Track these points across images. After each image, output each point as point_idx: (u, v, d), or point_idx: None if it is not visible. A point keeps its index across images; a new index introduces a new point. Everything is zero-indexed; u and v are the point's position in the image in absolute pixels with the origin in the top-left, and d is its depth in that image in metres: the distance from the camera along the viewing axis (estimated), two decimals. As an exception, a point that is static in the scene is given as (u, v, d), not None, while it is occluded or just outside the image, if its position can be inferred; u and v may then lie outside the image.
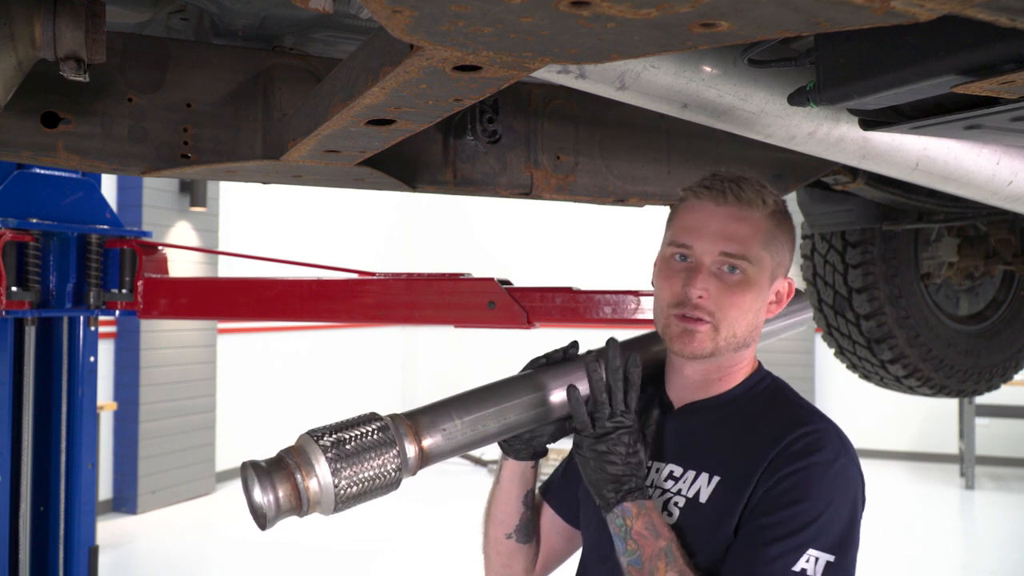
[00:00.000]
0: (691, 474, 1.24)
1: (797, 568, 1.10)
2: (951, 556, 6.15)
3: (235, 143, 1.68)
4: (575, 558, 1.45)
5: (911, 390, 3.38)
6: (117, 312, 2.84)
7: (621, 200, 2.11)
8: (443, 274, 2.19)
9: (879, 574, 5.54)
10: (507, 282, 2.12)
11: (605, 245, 9.83)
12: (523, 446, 1.35)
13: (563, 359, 1.37)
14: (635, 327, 1.95)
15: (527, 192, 2.00)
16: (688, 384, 1.31)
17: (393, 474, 1.17)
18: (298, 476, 1.11)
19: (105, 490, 6.72)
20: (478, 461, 8.70)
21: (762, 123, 1.58)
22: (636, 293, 2.16)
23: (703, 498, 1.21)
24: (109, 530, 6.19)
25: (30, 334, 3.10)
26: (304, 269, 2.63)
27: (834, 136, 1.69)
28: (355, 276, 2.32)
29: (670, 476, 1.27)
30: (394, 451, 1.17)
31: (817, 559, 1.11)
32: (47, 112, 1.56)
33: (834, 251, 3.18)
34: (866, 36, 1.15)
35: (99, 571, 3.57)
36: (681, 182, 2.00)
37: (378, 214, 10.27)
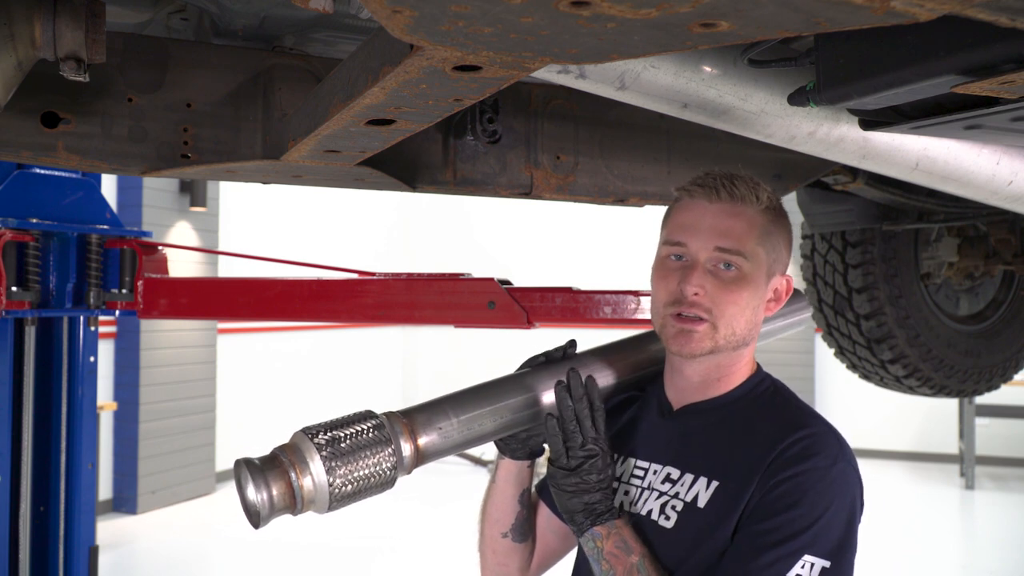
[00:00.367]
0: (689, 477, 1.24)
1: (792, 574, 1.10)
2: (951, 556, 6.15)
3: (235, 143, 1.68)
4: (570, 557, 1.45)
5: (911, 390, 3.38)
6: (117, 312, 2.84)
7: (621, 200, 2.11)
8: (443, 274, 2.19)
9: (879, 574, 5.54)
10: (507, 282, 2.12)
11: (605, 245, 9.83)
12: (519, 445, 1.35)
13: (562, 358, 1.36)
14: (635, 327, 1.95)
15: (527, 192, 2.00)
16: (687, 385, 1.30)
17: (388, 472, 1.16)
18: (292, 474, 1.10)
19: (105, 490, 6.72)
20: (478, 461, 8.70)
21: (762, 123, 1.58)
22: (636, 293, 2.16)
23: (701, 503, 1.20)
24: (109, 530, 6.19)
25: (30, 334, 3.10)
26: (304, 269, 2.63)
27: (834, 136, 1.69)
28: (355, 276, 2.32)
29: (667, 479, 1.26)
30: (389, 449, 1.16)
31: (813, 564, 1.10)
32: (47, 112, 1.56)
33: (834, 251, 3.18)
34: (866, 36, 1.15)
35: (99, 571, 3.57)
36: (681, 182, 2.00)
37: (378, 214, 10.27)
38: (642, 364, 1.41)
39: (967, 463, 7.94)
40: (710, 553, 1.17)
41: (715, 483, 1.20)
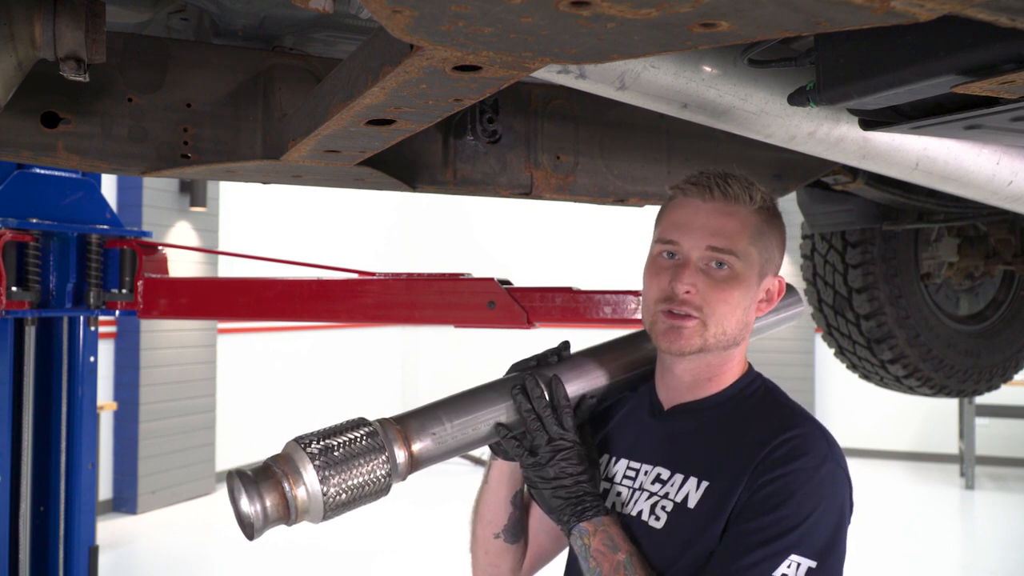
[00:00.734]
0: (679, 478, 1.23)
1: (777, 574, 1.09)
2: (951, 556, 6.15)
3: (235, 143, 1.68)
4: (562, 557, 1.45)
5: (911, 390, 3.38)
6: (117, 312, 2.84)
7: (621, 200, 2.11)
8: (443, 274, 2.19)
9: (879, 574, 5.54)
10: (507, 282, 2.12)
11: (605, 245, 9.83)
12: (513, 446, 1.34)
13: (557, 362, 1.36)
14: (635, 327, 1.95)
15: (527, 192, 2.00)
16: (678, 384, 1.30)
17: (383, 480, 1.15)
18: (286, 485, 1.09)
19: (105, 490, 6.72)
20: (478, 461, 8.70)
21: (762, 123, 1.58)
22: (636, 293, 2.15)
23: (691, 503, 1.20)
24: (109, 530, 6.19)
25: (30, 334, 3.10)
26: (304, 269, 2.62)
27: (834, 136, 1.69)
28: (355, 276, 2.32)
29: (657, 479, 1.26)
30: (383, 457, 1.15)
31: (799, 564, 1.10)
32: (47, 112, 1.56)
33: (834, 251, 3.18)
34: (866, 36, 1.15)
35: (99, 571, 3.57)
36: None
37: (378, 214, 10.27)
38: (635, 364, 1.40)
39: (967, 463, 7.94)
40: (700, 554, 1.16)
41: (705, 483, 1.20)
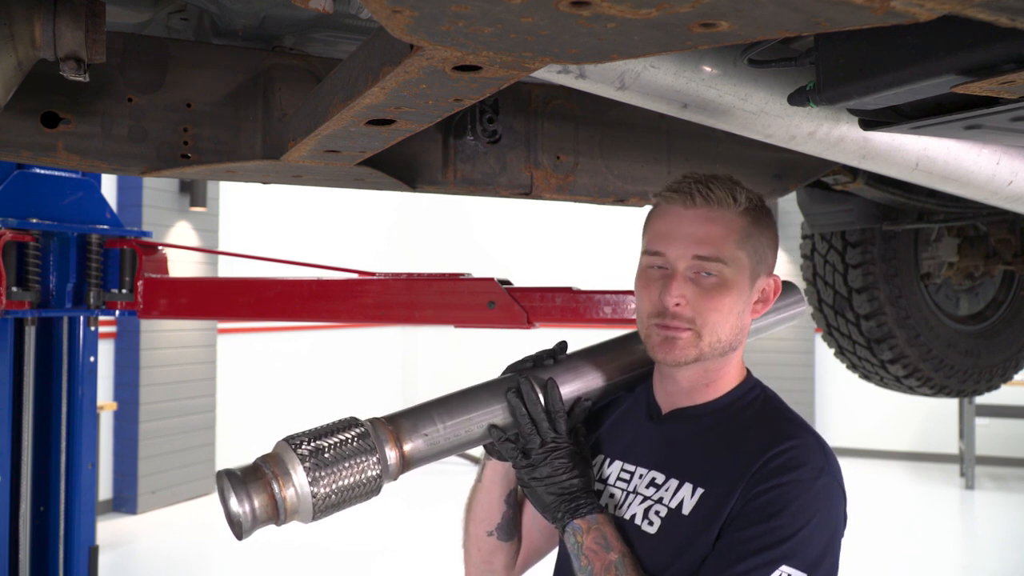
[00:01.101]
0: (674, 483, 1.22)
1: None
2: (951, 556, 6.15)
3: (235, 143, 1.68)
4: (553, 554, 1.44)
5: (911, 390, 3.38)
6: (117, 312, 2.84)
7: (621, 200, 2.11)
8: (443, 274, 2.19)
9: (879, 574, 5.54)
10: (507, 282, 2.12)
11: (605, 245, 9.83)
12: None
13: (553, 364, 1.36)
14: (635, 327, 1.95)
15: (527, 192, 2.00)
16: (676, 390, 1.29)
17: (373, 481, 1.15)
18: (275, 485, 1.09)
19: (105, 490, 6.72)
20: (477, 461, 8.69)
21: (762, 123, 1.58)
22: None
23: (686, 510, 1.19)
24: (109, 530, 6.19)
25: (30, 334, 3.10)
26: (304, 269, 2.62)
27: (834, 136, 1.69)
28: (355, 276, 2.32)
29: (652, 483, 1.25)
30: (374, 458, 1.15)
31: (790, 575, 1.10)
32: (47, 112, 1.56)
33: (834, 251, 3.18)
34: (866, 36, 1.15)
35: (99, 571, 3.57)
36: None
37: (378, 214, 10.27)
38: (632, 365, 1.39)
39: (967, 463, 7.94)
40: (693, 560, 1.16)
41: (700, 490, 1.19)
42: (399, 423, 1.21)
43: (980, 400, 7.82)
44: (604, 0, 0.64)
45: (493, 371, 1.42)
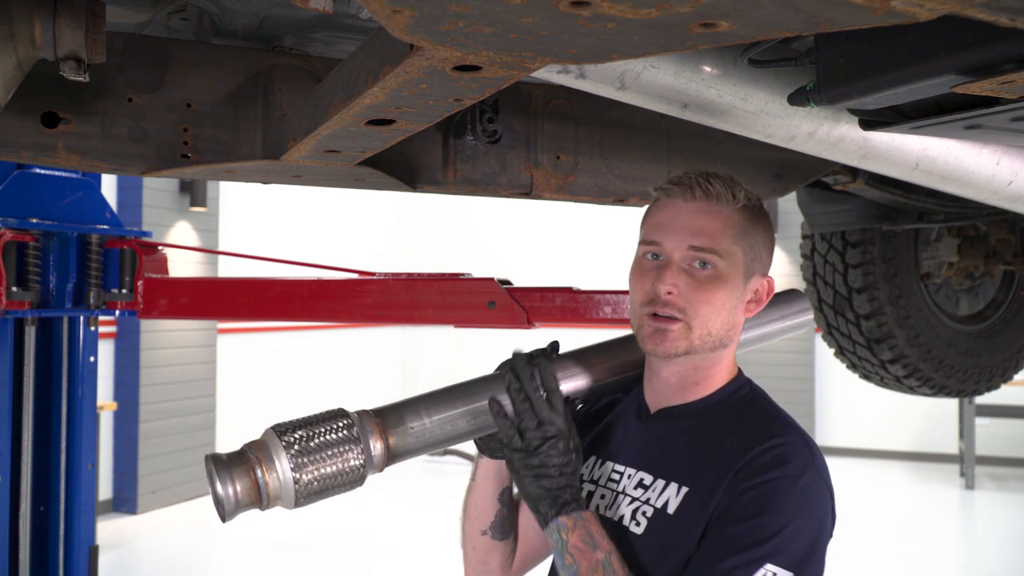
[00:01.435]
0: (660, 483, 1.22)
1: None
2: (951, 556, 6.15)
3: (235, 143, 1.68)
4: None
5: (911, 390, 3.38)
6: (117, 312, 2.84)
7: (621, 200, 2.11)
8: (443, 274, 2.19)
9: (879, 574, 5.54)
10: (507, 282, 2.12)
11: (605, 245, 9.82)
12: (499, 445, 1.31)
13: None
14: (635, 327, 1.95)
15: (527, 192, 2.00)
16: (665, 388, 1.29)
17: (356, 470, 1.17)
18: (258, 471, 1.13)
19: (105, 490, 6.72)
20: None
21: (762, 123, 1.59)
22: (636, 293, 2.15)
23: (671, 509, 1.19)
24: (109, 530, 6.19)
25: (30, 334, 3.10)
26: (304, 269, 2.62)
27: (834, 136, 1.69)
28: (355, 276, 2.32)
29: (640, 484, 1.25)
30: (358, 448, 1.18)
31: (775, 574, 1.08)
32: (47, 112, 1.56)
33: (834, 251, 3.18)
34: (866, 36, 1.15)
35: (99, 571, 3.57)
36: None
37: (378, 214, 10.27)
38: (626, 366, 1.39)
39: (967, 463, 7.94)
40: (679, 560, 1.15)
41: (685, 489, 1.19)
42: (386, 416, 1.24)
43: (980, 400, 7.82)
44: (604, 0, 0.64)
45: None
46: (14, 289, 2.74)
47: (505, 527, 1.43)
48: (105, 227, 2.99)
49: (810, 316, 1.57)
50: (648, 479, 1.24)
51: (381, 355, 10.49)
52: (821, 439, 9.56)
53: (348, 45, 1.80)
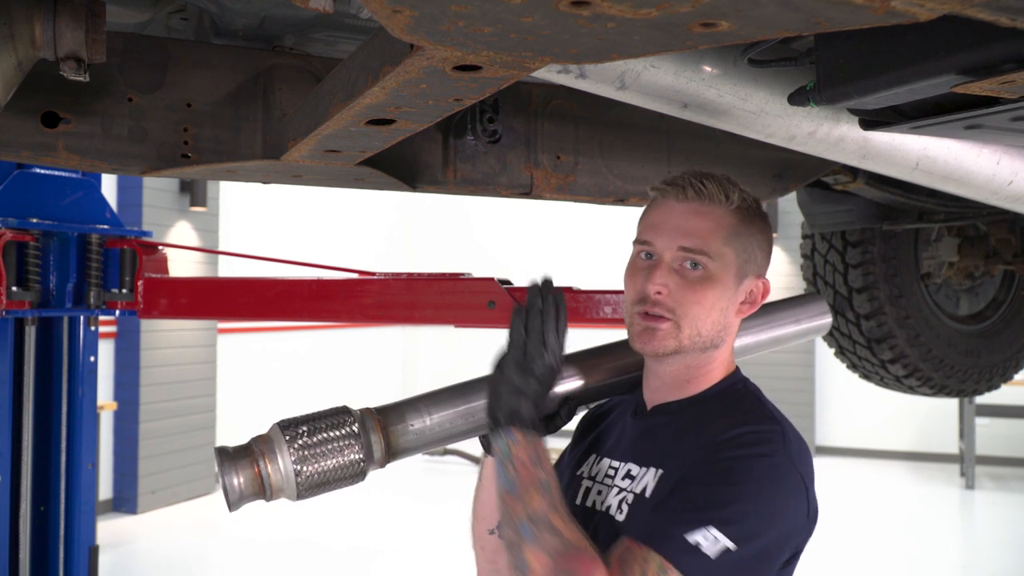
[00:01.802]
0: (643, 471, 1.24)
1: (691, 539, 1.07)
2: (951, 556, 6.15)
3: (235, 143, 1.68)
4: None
5: (911, 390, 3.38)
6: (117, 312, 2.84)
7: (621, 200, 2.11)
8: (443, 274, 2.18)
9: (879, 574, 5.54)
10: (507, 282, 2.12)
11: (605, 245, 9.82)
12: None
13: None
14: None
15: (527, 192, 2.00)
16: (660, 385, 1.30)
17: (357, 464, 1.22)
18: (261, 463, 1.19)
19: (105, 490, 6.71)
20: (478, 460, 8.70)
21: (762, 123, 1.59)
22: (636, 293, 2.15)
23: (648, 492, 1.20)
24: (109, 530, 6.19)
25: (30, 334, 3.10)
26: (304, 269, 2.62)
27: (834, 136, 1.69)
28: (355, 276, 2.32)
29: (628, 475, 1.26)
30: (359, 444, 1.22)
31: (716, 539, 1.07)
32: (47, 112, 1.56)
33: (834, 251, 3.18)
34: (866, 36, 1.15)
35: (99, 571, 3.57)
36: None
37: (378, 214, 10.26)
38: (631, 368, 1.40)
39: (967, 463, 7.94)
40: None
41: (660, 471, 1.21)
42: (388, 413, 1.28)
43: (980, 400, 7.82)
44: (604, 0, 0.64)
45: (493, 371, 1.42)
46: (14, 289, 2.74)
47: None
48: (105, 227, 2.98)
49: (828, 320, 1.56)
50: (635, 469, 1.26)
51: (381, 355, 10.48)
52: (821, 439, 9.56)
53: (348, 45, 1.80)
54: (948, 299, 3.45)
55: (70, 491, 3.30)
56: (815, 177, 2.36)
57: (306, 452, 1.19)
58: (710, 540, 1.07)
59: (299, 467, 1.19)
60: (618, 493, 1.26)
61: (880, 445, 9.33)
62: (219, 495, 7.37)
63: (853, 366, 3.42)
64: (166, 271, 2.82)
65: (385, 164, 1.74)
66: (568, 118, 2.02)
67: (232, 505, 1.19)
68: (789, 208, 8.58)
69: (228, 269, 7.46)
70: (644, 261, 1.26)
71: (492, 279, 2.10)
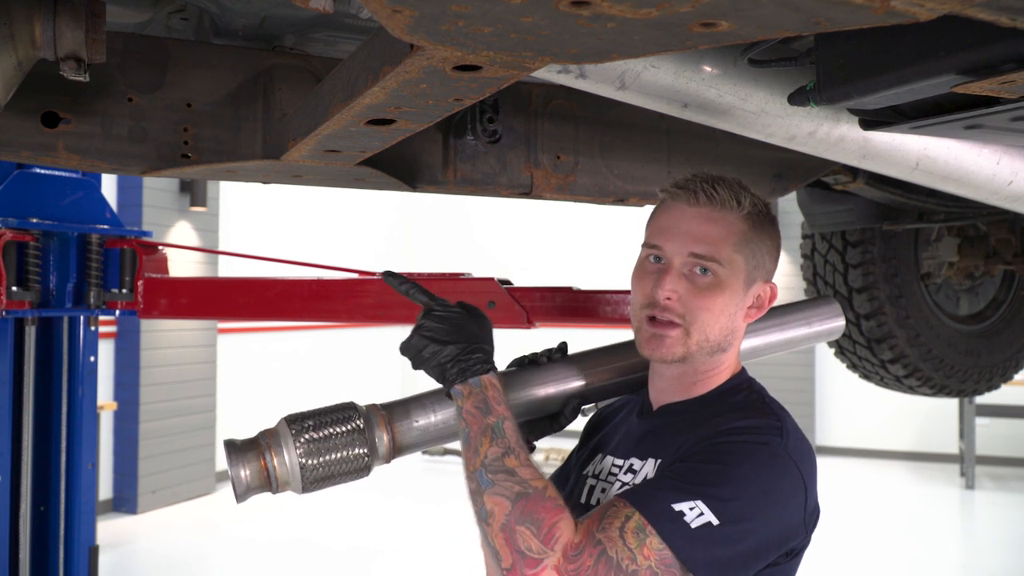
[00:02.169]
0: (643, 463, 1.25)
1: (676, 507, 1.07)
2: (951, 556, 6.15)
3: (235, 143, 1.68)
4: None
5: (911, 390, 3.38)
6: (117, 312, 2.84)
7: (621, 200, 2.11)
8: (443, 274, 2.19)
9: (879, 574, 5.54)
10: (507, 282, 2.12)
11: (605, 245, 9.82)
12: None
13: (551, 363, 1.38)
14: (635, 327, 1.95)
15: (527, 192, 2.00)
16: (667, 386, 1.31)
17: (361, 458, 1.24)
18: (268, 456, 1.21)
19: (105, 490, 6.71)
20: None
21: (762, 123, 1.59)
22: (636, 293, 2.15)
23: (648, 479, 1.21)
24: (109, 530, 6.19)
25: (30, 334, 3.10)
26: (304, 269, 2.62)
27: (834, 136, 1.69)
28: (355, 276, 2.32)
29: (629, 469, 1.27)
30: (363, 438, 1.25)
31: (701, 513, 1.07)
32: (47, 112, 1.56)
33: (834, 251, 3.18)
34: (866, 36, 1.15)
35: (99, 571, 3.57)
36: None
37: (378, 214, 10.26)
38: (636, 367, 1.41)
39: (967, 463, 7.94)
40: None
41: (659, 461, 1.22)
42: (393, 409, 1.31)
43: (980, 400, 7.82)
44: (604, 0, 0.64)
45: (493, 371, 1.42)
46: (14, 289, 2.74)
47: None
48: (105, 227, 2.99)
49: (841, 323, 1.55)
50: (637, 463, 1.27)
51: (381, 355, 10.47)
52: (821, 439, 9.56)
53: (348, 45, 1.80)
54: (948, 299, 3.45)
55: (70, 491, 3.30)
56: (815, 177, 2.36)
57: (312, 446, 1.21)
58: (694, 512, 1.08)
59: (304, 460, 1.21)
60: (621, 487, 1.26)
61: (880, 445, 9.33)
62: (219, 495, 7.38)
63: (853, 366, 3.42)
64: (166, 271, 2.83)
65: (385, 164, 1.74)
66: (568, 118, 2.02)
67: (239, 497, 1.21)
68: (789, 208, 8.58)
69: (228, 269, 7.46)
70: (653, 265, 1.25)
71: (492, 279, 2.10)
